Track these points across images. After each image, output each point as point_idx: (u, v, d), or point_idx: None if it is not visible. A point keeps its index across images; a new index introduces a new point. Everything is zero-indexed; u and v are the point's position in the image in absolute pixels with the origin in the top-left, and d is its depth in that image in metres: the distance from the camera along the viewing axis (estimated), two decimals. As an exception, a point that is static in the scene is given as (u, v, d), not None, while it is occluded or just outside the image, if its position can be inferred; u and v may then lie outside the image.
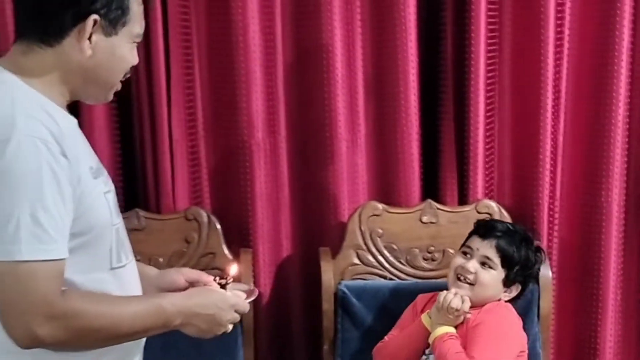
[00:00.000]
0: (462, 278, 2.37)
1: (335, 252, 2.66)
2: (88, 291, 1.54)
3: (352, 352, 2.59)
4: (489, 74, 2.71)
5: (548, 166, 2.71)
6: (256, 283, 2.74)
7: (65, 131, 1.51)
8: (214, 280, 1.80)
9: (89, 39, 1.54)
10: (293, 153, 2.77)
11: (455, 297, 2.30)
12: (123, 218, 2.57)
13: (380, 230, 2.66)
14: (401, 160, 2.72)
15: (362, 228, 2.66)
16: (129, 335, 1.57)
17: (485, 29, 2.66)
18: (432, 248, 2.67)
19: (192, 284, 1.81)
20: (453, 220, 2.68)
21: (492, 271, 2.38)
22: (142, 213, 2.67)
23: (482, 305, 2.35)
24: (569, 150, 2.77)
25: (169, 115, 2.68)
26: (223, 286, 1.77)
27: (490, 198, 2.76)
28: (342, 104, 2.70)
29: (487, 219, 2.53)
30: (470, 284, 2.36)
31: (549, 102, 2.68)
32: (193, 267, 2.61)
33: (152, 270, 1.88)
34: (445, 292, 2.32)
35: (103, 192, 1.60)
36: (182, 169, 2.72)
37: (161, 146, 2.68)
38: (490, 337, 2.29)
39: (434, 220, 2.68)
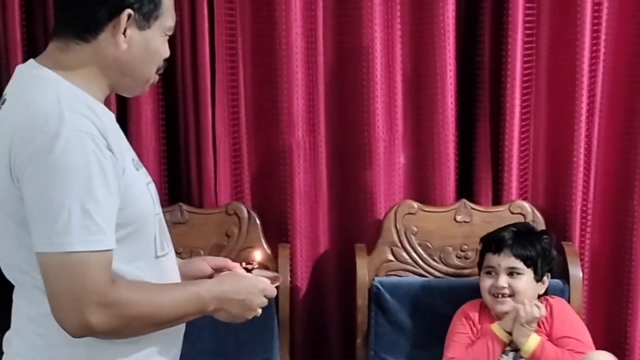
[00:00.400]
0: (499, 295, 2.44)
1: (370, 249, 2.74)
2: (133, 280, 1.59)
3: (385, 347, 2.66)
4: (525, 76, 2.76)
5: (582, 169, 2.75)
6: (293, 277, 2.83)
7: (107, 125, 1.56)
8: (240, 265, 1.85)
9: (124, 33, 1.58)
10: (332, 152, 2.86)
11: (533, 308, 2.38)
12: (167, 212, 2.73)
13: (415, 228, 2.73)
14: (437, 160, 2.78)
15: (398, 226, 2.73)
16: (170, 322, 1.62)
17: (522, 31, 2.71)
18: (466, 247, 2.73)
19: (217, 271, 1.87)
20: (487, 220, 2.74)
21: (522, 276, 2.46)
22: (185, 207, 2.76)
23: None
24: (602, 153, 2.81)
25: (213, 113, 2.77)
26: (249, 271, 1.82)
27: (524, 199, 2.81)
28: (380, 104, 2.77)
29: (489, 233, 2.58)
30: (509, 296, 2.44)
31: (584, 105, 2.72)
32: (233, 261, 2.73)
33: (178, 260, 1.90)
34: (521, 306, 2.38)
35: (145, 182, 1.65)
36: (224, 165, 2.81)
37: (205, 143, 2.77)
38: (573, 324, 2.46)
39: (467, 220, 2.74)
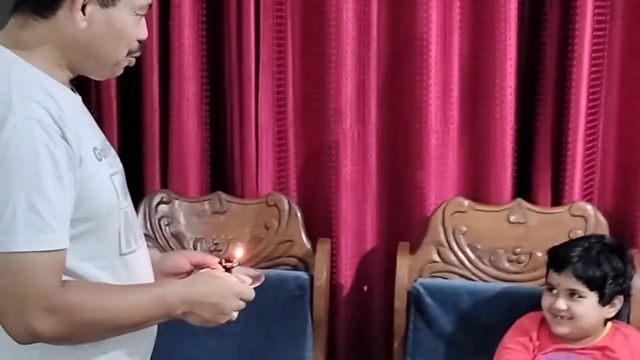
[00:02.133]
0: (558, 316, 2.25)
1: (415, 248, 2.57)
2: (88, 282, 1.48)
3: (423, 353, 2.49)
4: (594, 70, 2.53)
5: (654, 169, 2.51)
6: (336, 274, 2.70)
7: (66, 110, 1.44)
8: (220, 263, 1.71)
9: (83, 10, 1.46)
10: (382, 143, 2.70)
11: None
12: (205, 200, 2.65)
13: (464, 228, 2.55)
14: (493, 156, 2.59)
15: (445, 224, 2.55)
16: (131, 327, 1.51)
17: (591, 17, 2.48)
18: (519, 250, 2.53)
19: (197, 267, 1.74)
20: (544, 221, 2.53)
21: (584, 300, 2.23)
22: (223, 196, 2.67)
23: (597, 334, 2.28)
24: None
25: (257, 100, 2.66)
26: (228, 270, 1.68)
27: (588, 201, 2.58)
28: (434, 94, 2.60)
29: (557, 246, 2.33)
30: (569, 318, 2.24)
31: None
32: (270, 254, 2.63)
33: (155, 254, 1.79)
34: None
35: (109, 174, 1.53)
36: (267, 155, 2.70)
37: (247, 131, 2.66)
38: None
39: (522, 221, 2.54)
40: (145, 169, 2.73)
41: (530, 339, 2.30)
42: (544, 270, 2.46)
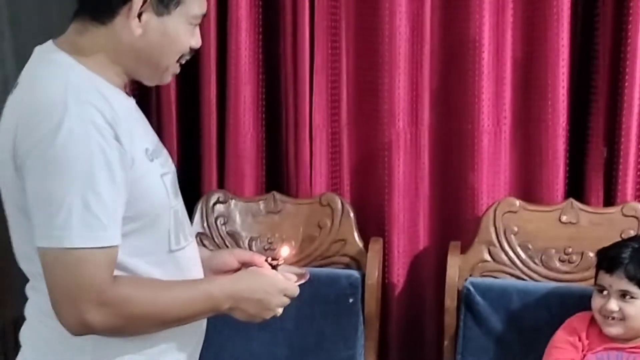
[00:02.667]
0: (609, 318, 2.24)
1: (466, 248, 2.58)
2: (139, 277, 1.55)
3: (473, 351, 2.49)
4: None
5: None
6: (389, 273, 2.73)
7: (120, 113, 1.50)
8: (266, 261, 1.77)
9: (139, 17, 1.53)
10: (435, 144, 2.72)
11: None
12: (260, 200, 2.71)
13: (515, 228, 2.55)
14: (545, 156, 2.59)
15: (497, 224, 2.56)
16: (178, 321, 1.57)
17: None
18: (570, 250, 2.52)
19: (244, 265, 1.80)
20: (595, 221, 2.52)
21: (636, 301, 2.22)
22: (278, 196, 2.71)
23: None
24: None
25: (311, 101, 2.70)
26: (274, 268, 1.74)
27: (642, 201, 2.57)
28: (486, 95, 2.61)
29: (607, 247, 2.32)
30: (620, 319, 2.23)
31: None
32: (323, 253, 2.67)
33: (204, 252, 1.86)
34: None
35: (160, 174, 1.59)
36: (320, 155, 2.74)
37: (302, 132, 2.71)
38: None
39: (574, 221, 2.53)
40: (203, 170, 2.79)
41: (580, 339, 2.29)
42: (595, 270, 2.47)
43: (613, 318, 2.23)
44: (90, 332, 1.49)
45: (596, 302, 2.27)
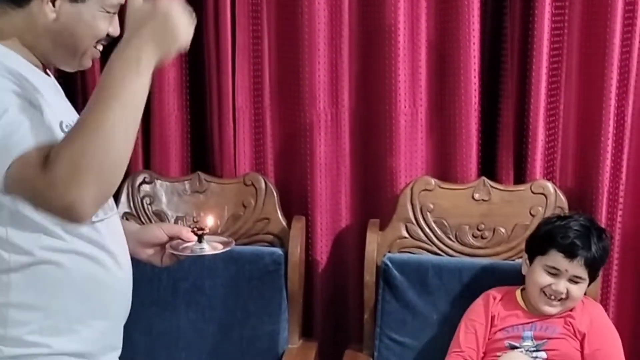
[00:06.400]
0: (552, 297, 2.36)
1: (385, 225, 2.69)
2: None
3: (392, 324, 2.61)
4: (554, 50, 2.65)
5: (610, 148, 2.61)
6: (312, 251, 2.83)
7: (36, 84, 1.55)
8: (192, 231, 1.84)
9: (53, 3, 1.58)
10: (355, 125, 2.81)
11: None
12: (186, 180, 2.76)
13: (431, 205, 2.67)
14: (459, 137, 2.70)
15: (413, 202, 2.67)
16: (123, 113, 1.43)
17: (550, 7, 2.61)
18: (483, 226, 2.65)
19: (172, 237, 1.87)
20: (506, 199, 2.65)
21: (582, 283, 2.37)
22: (203, 176, 2.78)
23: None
24: (637, 130, 2.67)
25: (234, 83, 2.77)
26: (200, 237, 1.82)
27: (550, 179, 2.70)
28: (403, 78, 2.71)
29: (559, 226, 2.39)
30: (564, 299, 2.36)
31: (615, 76, 2.57)
32: (248, 231, 2.75)
33: (133, 226, 1.93)
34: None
35: None
36: (244, 136, 2.81)
37: (225, 113, 2.78)
38: (608, 339, 2.41)
39: (486, 198, 2.66)
40: (129, 150, 2.83)
41: (490, 310, 2.43)
42: (507, 245, 2.62)
43: (559, 299, 2.35)
44: (80, 209, 1.42)
45: (542, 279, 2.35)
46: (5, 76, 1.50)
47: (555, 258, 2.35)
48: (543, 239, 2.41)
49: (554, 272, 2.35)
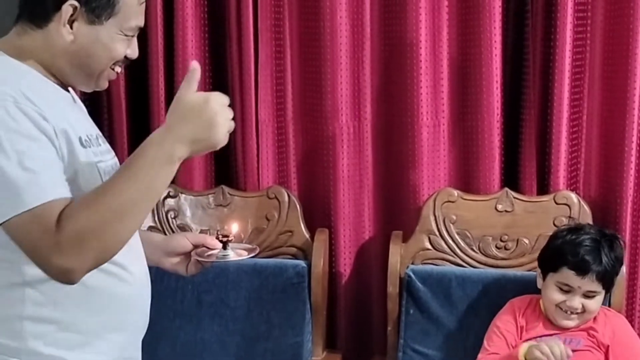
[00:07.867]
0: (569, 312, 2.35)
1: (408, 236, 2.70)
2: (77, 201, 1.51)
3: (415, 336, 2.61)
4: (576, 62, 2.66)
5: (634, 158, 2.61)
6: (336, 263, 2.84)
7: (52, 99, 1.57)
8: (217, 238, 1.84)
9: (71, 25, 1.60)
10: (377, 137, 2.83)
11: (560, 350, 2.23)
12: (210, 194, 2.79)
13: (454, 217, 2.67)
14: (481, 148, 2.71)
15: (436, 213, 2.67)
16: (140, 200, 1.50)
17: (572, 14, 2.62)
18: (506, 237, 2.65)
19: (197, 246, 1.87)
20: (529, 210, 2.65)
21: (598, 297, 2.36)
22: (227, 189, 2.80)
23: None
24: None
25: (257, 97, 2.79)
26: (225, 244, 1.83)
27: (573, 190, 2.70)
28: (425, 90, 2.73)
29: (569, 243, 2.36)
30: (581, 313, 2.35)
31: (637, 92, 2.57)
32: (271, 244, 2.77)
33: (158, 237, 1.94)
34: (547, 347, 2.22)
35: (94, 160, 1.63)
36: (267, 149, 2.83)
37: (248, 127, 2.80)
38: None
39: (509, 209, 2.66)
40: (153, 165, 2.86)
41: (519, 322, 2.41)
42: (530, 256, 2.61)
43: (577, 313, 2.34)
44: (74, 274, 1.49)
45: (556, 296, 2.34)
46: (27, 111, 1.50)
47: (567, 275, 2.34)
48: (553, 256, 2.40)
49: (567, 289, 2.34)
